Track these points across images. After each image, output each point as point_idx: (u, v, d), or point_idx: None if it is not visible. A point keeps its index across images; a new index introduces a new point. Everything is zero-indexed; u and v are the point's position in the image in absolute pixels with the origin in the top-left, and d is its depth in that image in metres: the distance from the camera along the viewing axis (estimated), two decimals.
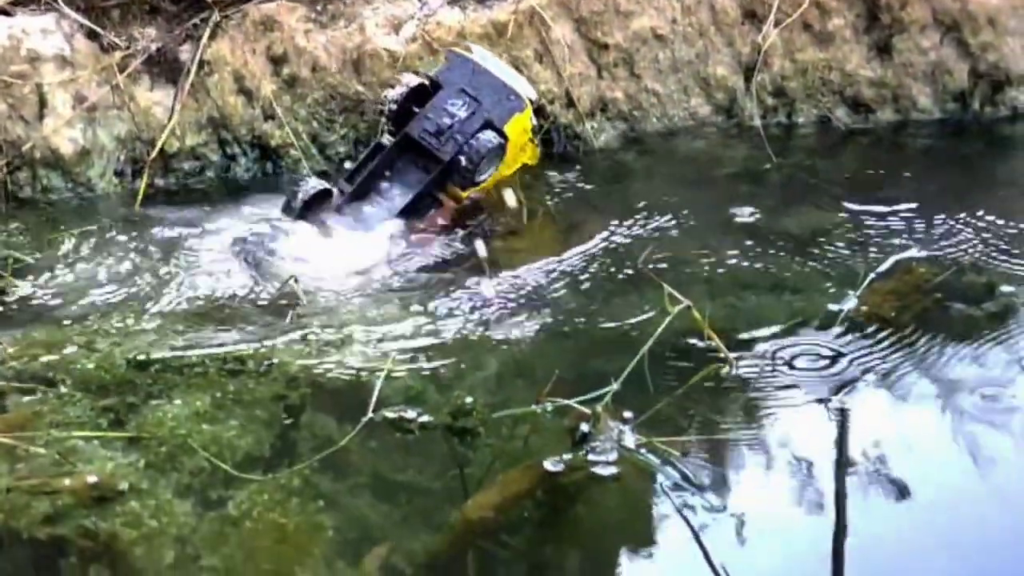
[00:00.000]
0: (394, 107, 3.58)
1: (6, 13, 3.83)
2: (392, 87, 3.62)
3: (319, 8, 3.89)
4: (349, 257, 3.35)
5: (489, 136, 3.49)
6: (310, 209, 3.46)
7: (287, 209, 3.47)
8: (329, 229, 3.41)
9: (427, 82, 3.58)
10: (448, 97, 3.53)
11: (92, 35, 3.83)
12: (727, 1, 3.88)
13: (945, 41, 3.91)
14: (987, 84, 3.98)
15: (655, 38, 3.89)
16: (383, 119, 3.65)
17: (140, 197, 3.74)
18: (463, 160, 3.48)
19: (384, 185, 3.52)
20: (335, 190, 3.51)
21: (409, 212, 3.48)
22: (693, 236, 3.41)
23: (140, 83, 3.84)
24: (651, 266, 3.19)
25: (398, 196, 3.49)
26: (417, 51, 3.84)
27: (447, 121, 3.50)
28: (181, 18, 3.91)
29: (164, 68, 3.87)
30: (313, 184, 3.49)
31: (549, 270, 3.27)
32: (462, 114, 3.51)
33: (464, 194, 3.54)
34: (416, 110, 3.54)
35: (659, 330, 2.81)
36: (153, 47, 3.86)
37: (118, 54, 3.84)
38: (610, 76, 3.92)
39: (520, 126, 3.59)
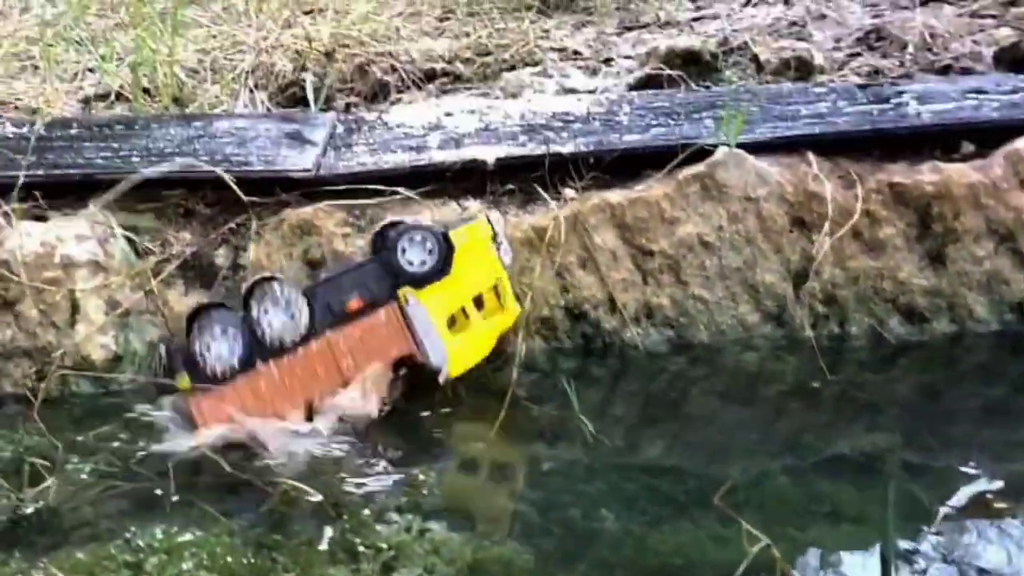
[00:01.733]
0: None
1: (41, 219, 3.78)
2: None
3: (357, 212, 3.83)
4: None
5: (417, 220, 3.46)
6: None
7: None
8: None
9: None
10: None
11: (126, 240, 3.77)
12: (774, 208, 3.80)
13: (1000, 250, 3.82)
14: None
15: (701, 245, 3.81)
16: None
17: None
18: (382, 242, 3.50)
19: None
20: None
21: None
22: (743, 457, 3.28)
23: (174, 287, 3.77)
24: (718, 495, 3.04)
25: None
26: None
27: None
28: (216, 221, 3.86)
29: (198, 272, 3.80)
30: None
31: (590, 489, 3.14)
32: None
33: (401, 293, 3.45)
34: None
35: (739, 571, 2.68)
36: (188, 251, 3.80)
37: (152, 259, 3.78)
38: (655, 282, 3.83)
39: (472, 236, 3.51)
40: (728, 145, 3.81)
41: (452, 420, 3.51)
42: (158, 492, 3.17)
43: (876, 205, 3.81)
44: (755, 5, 5.00)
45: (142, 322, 3.73)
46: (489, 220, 3.58)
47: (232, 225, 3.84)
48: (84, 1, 5.12)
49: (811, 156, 3.84)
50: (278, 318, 3.42)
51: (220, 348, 3.40)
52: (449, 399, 3.55)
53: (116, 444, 3.43)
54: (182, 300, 3.76)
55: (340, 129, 4.16)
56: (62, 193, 3.84)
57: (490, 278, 3.59)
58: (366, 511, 3.05)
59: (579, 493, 3.14)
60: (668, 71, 4.29)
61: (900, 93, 4.12)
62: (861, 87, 4.21)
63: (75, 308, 3.69)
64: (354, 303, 3.47)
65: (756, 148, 3.84)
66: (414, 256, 3.48)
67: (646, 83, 4.32)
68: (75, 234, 3.74)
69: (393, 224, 3.64)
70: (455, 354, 3.50)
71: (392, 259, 3.47)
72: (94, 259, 3.71)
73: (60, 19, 5.11)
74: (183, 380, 3.38)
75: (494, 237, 3.57)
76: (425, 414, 3.51)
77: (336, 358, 3.44)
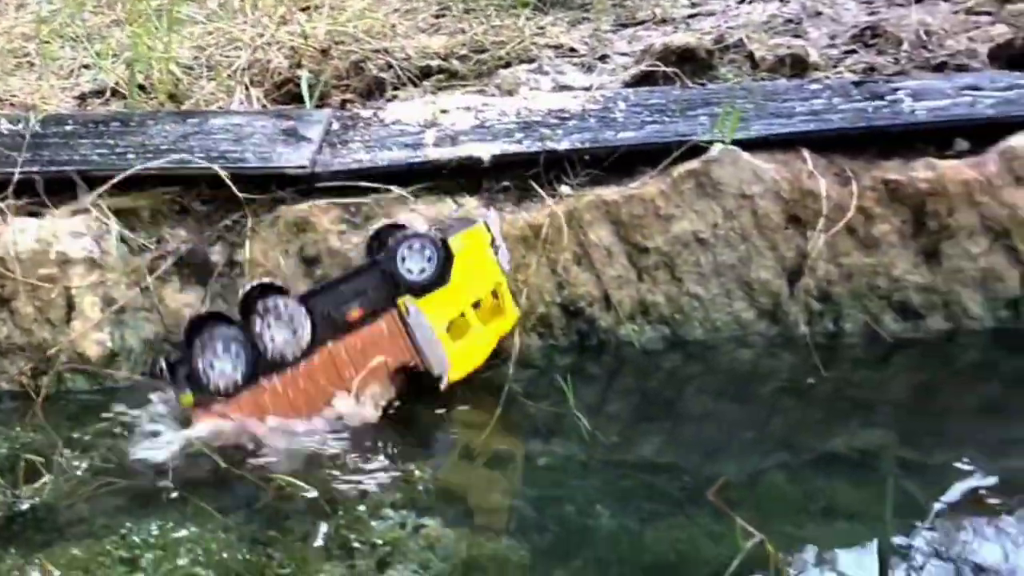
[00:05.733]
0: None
1: (36, 215, 3.78)
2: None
3: (352, 210, 3.83)
4: None
5: (415, 227, 3.48)
6: None
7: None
8: None
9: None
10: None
11: (122, 237, 3.77)
12: (769, 205, 3.79)
13: (994, 247, 3.80)
14: None
15: (696, 242, 3.81)
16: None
17: None
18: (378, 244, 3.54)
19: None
20: None
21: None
22: (738, 454, 3.29)
23: (170, 284, 3.78)
24: (712, 492, 3.04)
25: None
26: None
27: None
28: (211, 218, 3.86)
29: (194, 269, 3.80)
30: None
31: (585, 485, 3.16)
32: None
33: (401, 302, 3.44)
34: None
35: (734, 566, 2.68)
36: (183, 248, 3.80)
37: (148, 256, 3.78)
38: (651, 279, 3.82)
39: (471, 241, 3.52)
40: (723, 142, 3.81)
41: (448, 417, 3.52)
42: (154, 488, 3.18)
43: (871, 202, 3.80)
44: (751, 2, 5.00)
45: (138, 319, 3.74)
46: (487, 225, 3.58)
47: (228, 222, 3.84)
48: None
49: (806, 153, 3.83)
50: (281, 334, 3.42)
51: (223, 365, 3.41)
52: (445, 396, 3.55)
53: (112, 441, 3.44)
54: (178, 297, 3.76)
55: (336, 126, 4.16)
56: (57, 190, 3.84)
57: (489, 283, 3.59)
58: (361, 507, 3.05)
59: (574, 489, 3.14)
60: (664, 68, 4.28)
61: (895, 90, 4.12)
62: (856, 84, 4.21)
63: (71, 305, 3.70)
64: (355, 312, 3.47)
65: (751, 145, 3.83)
66: (414, 265, 3.47)
67: (641, 80, 4.32)
68: (70, 231, 3.74)
69: (390, 227, 3.64)
70: (455, 360, 3.50)
71: (392, 267, 3.47)
72: (90, 256, 3.71)
73: (56, 16, 5.10)
74: (186, 398, 3.40)
75: (492, 242, 3.58)
76: (421, 410, 3.52)
77: (338, 368, 3.45)
